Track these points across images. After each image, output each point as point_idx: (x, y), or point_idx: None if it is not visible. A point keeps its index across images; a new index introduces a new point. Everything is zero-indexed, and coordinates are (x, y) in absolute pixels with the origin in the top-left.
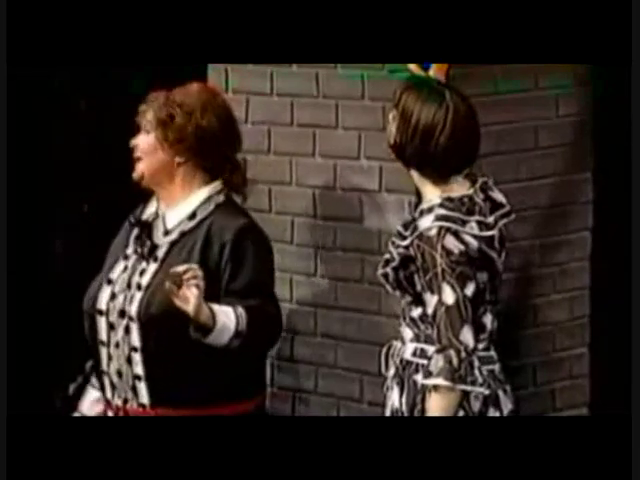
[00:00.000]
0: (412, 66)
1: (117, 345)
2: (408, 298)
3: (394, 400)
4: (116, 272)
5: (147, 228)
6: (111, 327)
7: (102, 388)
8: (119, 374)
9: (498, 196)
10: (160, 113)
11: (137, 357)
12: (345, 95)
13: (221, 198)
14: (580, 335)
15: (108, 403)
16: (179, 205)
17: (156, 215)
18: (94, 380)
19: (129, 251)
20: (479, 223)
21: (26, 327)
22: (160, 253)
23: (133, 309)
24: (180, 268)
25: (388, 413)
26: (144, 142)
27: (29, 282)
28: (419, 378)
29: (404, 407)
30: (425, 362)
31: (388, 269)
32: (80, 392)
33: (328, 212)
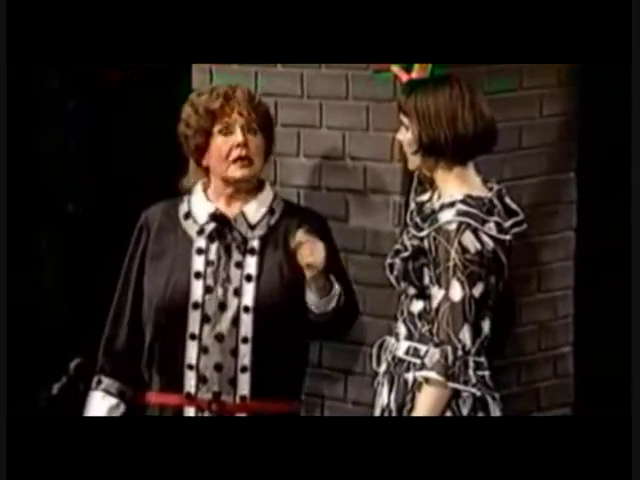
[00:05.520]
0: (395, 67)
1: (219, 338)
2: (412, 291)
3: (384, 397)
4: (198, 266)
5: (228, 224)
6: (205, 320)
7: (176, 383)
8: (218, 367)
9: (512, 204)
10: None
11: (246, 348)
12: (329, 95)
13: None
14: (564, 334)
15: (189, 398)
16: (252, 202)
17: (216, 212)
18: (107, 383)
19: (200, 245)
20: (497, 225)
21: (20, 326)
22: (254, 245)
23: (248, 300)
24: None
25: (378, 409)
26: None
27: (17, 284)
28: (410, 377)
29: (392, 404)
30: (417, 361)
31: (397, 259)
32: (64, 392)
33: None
